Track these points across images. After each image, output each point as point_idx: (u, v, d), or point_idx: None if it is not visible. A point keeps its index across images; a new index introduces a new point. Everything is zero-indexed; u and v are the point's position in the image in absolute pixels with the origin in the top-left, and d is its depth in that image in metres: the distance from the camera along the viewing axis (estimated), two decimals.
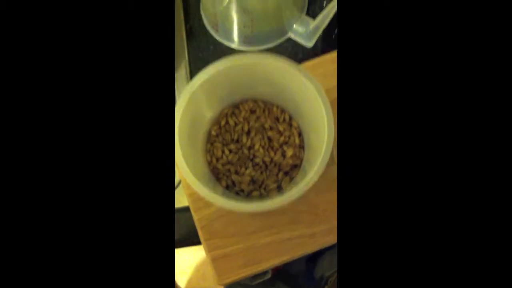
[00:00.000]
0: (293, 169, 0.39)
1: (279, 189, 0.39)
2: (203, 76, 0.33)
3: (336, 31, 0.51)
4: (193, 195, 0.42)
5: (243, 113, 0.40)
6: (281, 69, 0.33)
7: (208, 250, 0.45)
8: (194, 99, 0.33)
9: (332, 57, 0.46)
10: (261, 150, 0.39)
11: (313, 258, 0.62)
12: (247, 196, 0.38)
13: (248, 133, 0.40)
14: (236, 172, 0.39)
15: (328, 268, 0.62)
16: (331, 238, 0.43)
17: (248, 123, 0.40)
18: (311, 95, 0.33)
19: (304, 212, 0.43)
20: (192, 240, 0.51)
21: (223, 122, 0.40)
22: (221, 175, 0.39)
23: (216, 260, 0.44)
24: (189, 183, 0.32)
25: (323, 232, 0.43)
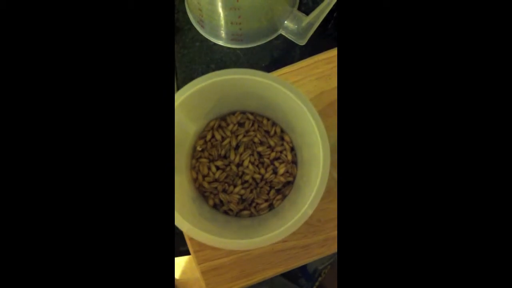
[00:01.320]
0: (286, 186, 0.36)
1: (271, 208, 0.36)
2: (182, 94, 0.30)
3: (329, 26, 0.48)
4: None
5: (230, 126, 0.36)
6: (269, 87, 0.30)
7: (198, 263, 0.43)
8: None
9: (326, 56, 0.42)
10: (250, 166, 0.36)
11: None
12: (236, 215, 0.36)
13: (237, 148, 0.36)
14: (224, 191, 0.36)
15: (320, 262, 0.63)
16: (325, 249, 0.41)
17: (236, 137, 0.36)
18: (303, 115, 0.30)
19: None
20: (180, 249, 0.49)
21: (209, 136, 0.36)
22: (208, 194, 0.36)
23: (206, 272, 0.43)
24: (177, 222, 0.29)
25: (317, 244, 0.41)
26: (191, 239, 0.44)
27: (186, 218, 0.29)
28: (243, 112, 0.37)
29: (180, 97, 0.30)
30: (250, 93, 0.32)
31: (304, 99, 0.30)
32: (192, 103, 0.31)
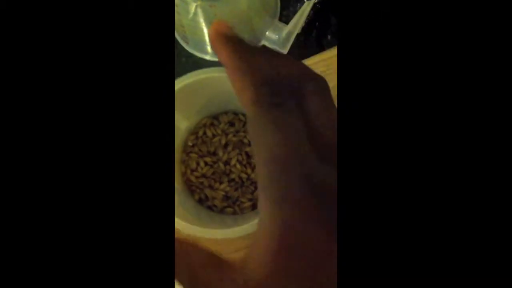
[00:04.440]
0: None
1: (254, 207, 0.37)
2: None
3: (313, 35, 0.49)
4: None
5: (222, 125, 0.38)
6: None
7: None
8: None
9: (311, 62, 0.44)
10: (237, 165, 0.37)
11: None
12: (220, 212, 0.37)
13: (226, 146, 0.38)
14: (210, 187, 0.37)
15: None
16: None
17: (226, 136, 0.38)
18: None
19: None
20: None
21: (200, 133, 0.38)
22: (194, 188, 0.37)
23: None
24: None
25: None
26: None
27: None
28: (236, 113, 0.38)
29: None
30: None
31: None
32: (181, 100, 0.32)
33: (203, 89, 0.33)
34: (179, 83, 0.31)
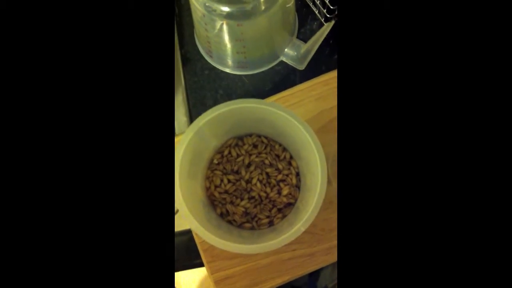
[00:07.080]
0: (287, 207, 0.40)
1: (271, 224, 0.40)
2: (206, 116, 0.35)
3: (326, 52, 0.51)
4: None
5: (246, 146, 0.41)
6: (278, 115, 0.34)
7: (211, 272, 0.45)
8: (198, 134, 0.35)
9: (324, 79, 0.46)
10: (258, 184, 0.40)
11: (315, 270, 0.63)
12: (239, 227, 0.40)
13: (248, 166, 0.41)
14: (231, 202, 0.40)
15: (330, 280, 0.63)
16: (330, 257, 0.44)
17: (250, 156, 0.41)
18: (306, 141, 0.34)
19: (304, 232, 0.43)
20: (194, 262, 0.53)
21: (226, 152, 0.41)
22: (217, 203, 0.40)
23: (219, 282, 0.45)
24: (187, 220, 0.33)
25: (322, 251, 0.44)
26: (205, 250, 0.48)
27: (195, 218, 0.33)
28: (259, 136, 0.41)
29: (205, 118, 0.35)
30: (264, 120, 0.37)
31: (311, 133, 0.33)
32: (214, 123, 0.36)
33: (232, 116, 0.36)
34: (215, 111, 0.35)
